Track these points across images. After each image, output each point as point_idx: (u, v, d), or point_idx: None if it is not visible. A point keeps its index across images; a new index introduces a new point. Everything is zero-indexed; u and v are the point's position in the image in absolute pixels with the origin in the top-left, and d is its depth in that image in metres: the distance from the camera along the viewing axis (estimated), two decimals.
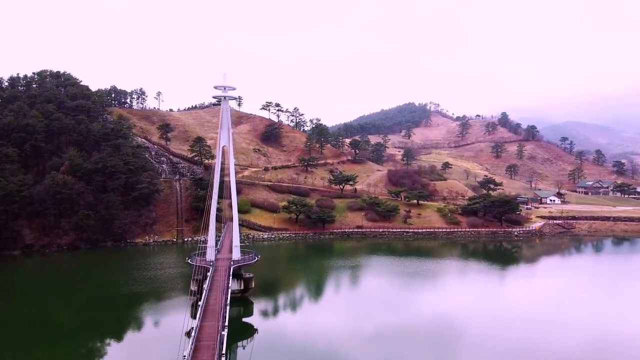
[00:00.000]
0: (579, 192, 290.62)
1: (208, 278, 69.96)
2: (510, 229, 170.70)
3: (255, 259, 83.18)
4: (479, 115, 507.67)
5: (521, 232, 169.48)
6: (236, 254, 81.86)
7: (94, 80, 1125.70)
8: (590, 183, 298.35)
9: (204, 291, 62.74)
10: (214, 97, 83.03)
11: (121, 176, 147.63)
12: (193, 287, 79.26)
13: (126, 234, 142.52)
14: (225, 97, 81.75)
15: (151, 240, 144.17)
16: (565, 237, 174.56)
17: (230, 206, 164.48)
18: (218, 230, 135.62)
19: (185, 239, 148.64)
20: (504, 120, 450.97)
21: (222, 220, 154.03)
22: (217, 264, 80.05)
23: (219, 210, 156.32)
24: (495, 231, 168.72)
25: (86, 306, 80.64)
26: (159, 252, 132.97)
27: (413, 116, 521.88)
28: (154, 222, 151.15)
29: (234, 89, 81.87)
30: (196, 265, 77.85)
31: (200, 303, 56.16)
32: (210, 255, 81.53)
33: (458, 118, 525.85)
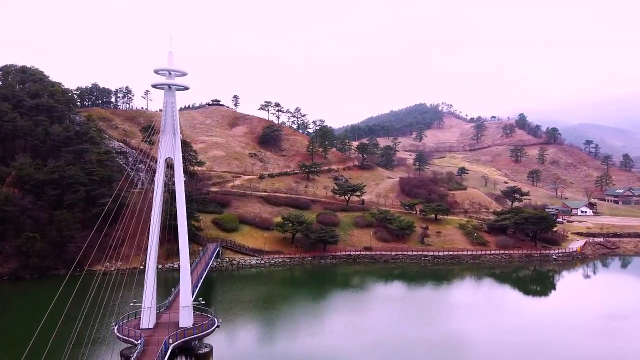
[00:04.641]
0: (609, 200, 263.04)
1: None
2: (546, 251, 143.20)
3: (215, 324, 57.08)
4: (494, 117, 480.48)
5: (560, 254, 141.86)
6: (185, 319, 55.97)
7: (77, 78, 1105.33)
8: (621, 191, 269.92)
9: None
10: (153, 86, 56.75)
11: (80, 189, 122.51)
12: None
13: (83, 259, 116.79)
14: (170, 86, 55.61)
15: (112, 268, 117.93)
16: (611, 258, 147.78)
17: (213, 222, 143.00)
18: (193, 254, 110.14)
19: (157, 266, 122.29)
20: (521, 122, 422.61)
21: (201, 241, 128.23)
22: (154, 336, 53.93)
23: (199, 229, 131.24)
24: (530, 254, 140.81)
25: None
26: (118, 285, 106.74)
27: (424, 117, 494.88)
28: (120, 244, 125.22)
29: (185, 74, 55.95)
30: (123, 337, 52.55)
31: None
32: (148, 320, 55.43)
33: (472, 119, 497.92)
